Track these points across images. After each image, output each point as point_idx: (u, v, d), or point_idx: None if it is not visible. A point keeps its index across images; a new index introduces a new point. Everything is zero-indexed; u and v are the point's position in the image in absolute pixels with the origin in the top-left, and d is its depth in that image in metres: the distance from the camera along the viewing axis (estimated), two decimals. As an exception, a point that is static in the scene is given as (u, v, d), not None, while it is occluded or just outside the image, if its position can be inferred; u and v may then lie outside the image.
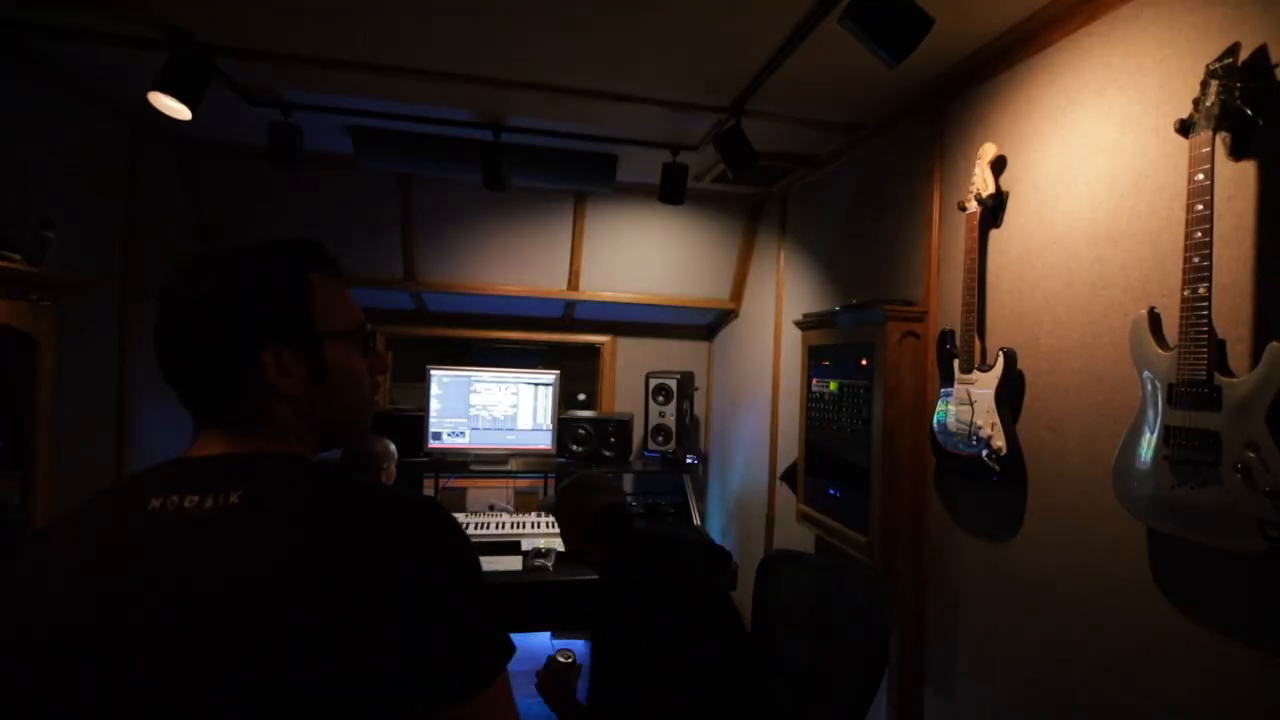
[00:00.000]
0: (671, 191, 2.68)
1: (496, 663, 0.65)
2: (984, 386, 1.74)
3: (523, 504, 3.71)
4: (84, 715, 0.55)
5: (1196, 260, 1.16)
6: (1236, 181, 1.21)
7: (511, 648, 0.67)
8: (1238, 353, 1.19)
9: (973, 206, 1.81)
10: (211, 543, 0.60)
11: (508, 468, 3.54)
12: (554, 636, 3.60)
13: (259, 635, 0.56)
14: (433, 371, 3.52)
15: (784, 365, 3.15)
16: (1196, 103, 1.19)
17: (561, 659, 1.77)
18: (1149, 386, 1.28)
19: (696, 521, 3.72)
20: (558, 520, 1.81)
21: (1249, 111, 1.14)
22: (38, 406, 1.81)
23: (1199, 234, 1.16)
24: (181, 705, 0.55)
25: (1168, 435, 1.22)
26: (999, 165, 1.80)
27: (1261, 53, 1.17)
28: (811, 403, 2.54)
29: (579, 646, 3.26)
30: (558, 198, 3.36)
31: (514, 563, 2.99)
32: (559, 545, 2.90)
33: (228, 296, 0.70)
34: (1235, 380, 1.13)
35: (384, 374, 0.83)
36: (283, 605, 0.57)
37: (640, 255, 3.59)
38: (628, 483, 4.08)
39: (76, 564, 0.61)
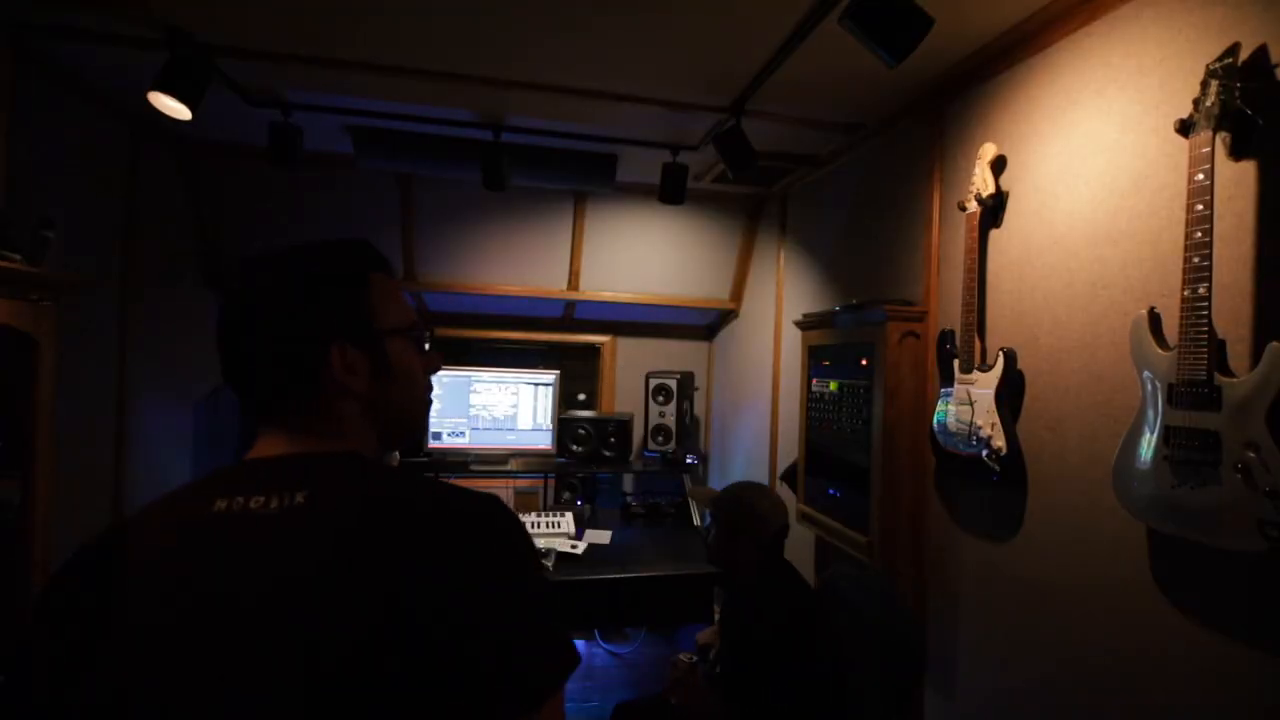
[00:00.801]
0: (671, 191, 2.68)
1: (563, 673, 0.63)
2: (984, 386, 1.74)
3: (523, 504, 3.71)
4: (156, 715, 0.55)
5: (1196, 260, 1.16)
6: (1236, 181, 1.21)
7: (576, 657, 0.64)
8: (1238, 353, 1.19)
9: (973, 206, 1.81)
10: (275, 543, 0.60)
11: (508, 468, 3.54)
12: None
13: (321, 638, 0.55)
14: (433, 371, 3.52)
15: (784, 365, 3.15)
16: (1196, 103, 1.19)
17: (685, 659, 1.81)
18: (1149, 386, 1.28)
19: (696, 522, 3.72)
20: (719, 516, 1.78)
21: (1249, 111, 1.15)
22: (38, 406, 1.81)
23: (1199, 234, 1.16)
24: (244, 711, 0.54)
25: (1168, 435, 1.22)
26: (999, 165, 1.80)
27: (1261, 53, 1.17)
28: (811, 403, 2.54)
29: (581, 645, 3.26)
30: (558, 198, 3.36)
31: (514, 563, 2.98)
32: (559, 545, 2.90)
33: (296, 295, 0.70)
34: (1235, 380, 1.13)
35: (437, 372, 0.83)
36: (345, 608, 0.56)
37: (640, 255, 3.59)
38: (628, 482, 4.08)
39: (148, 564, 0.61)
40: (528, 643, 0.62)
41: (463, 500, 0.66)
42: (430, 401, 0.84)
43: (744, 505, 1.74)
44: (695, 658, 1.85)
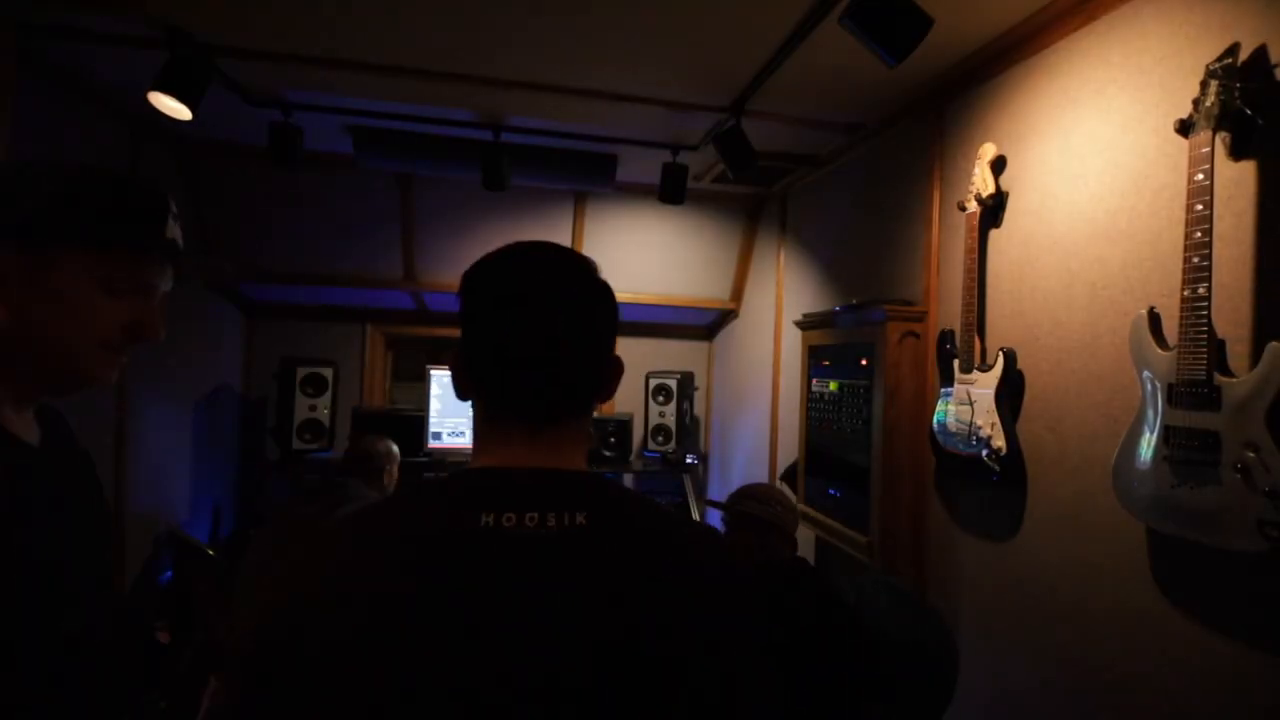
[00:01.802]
0: (671, 191, 2.68)
1: None
2: (984, 386, 1.74)
3: (523, 504, 3.71)
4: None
5: (1196, 260, 1.16)
6: (1236, 181, 1.21)
7: None
8: (1237, 353, 1.19)
9: (973, 206, 1.81)
10: (555, 567, 0.57)
11: (508, 468, 3.54)
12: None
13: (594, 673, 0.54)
14: (433, 371, 3.53)
15: (784, 365, 3.15)
16: (1196, 103, 1.19)
17: None
18: (1149, 386, 1.28)
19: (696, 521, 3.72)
20: (767, 508, 1.78)
21: (1249, 111, 1.14)
22: (38, 406, 1.81)
23: (1199, 234, 1.16)
24: None
25: (1167, 435, 1.22)
26: (999, 165, 1.80)
27: (1261, 53, 1.17)
28: (811, 403, 2.54)
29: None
30: (558, 198, 3.36)
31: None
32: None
33: (614, 304, 0.71)
34: (1235, 380, 1.13)
35: (140, 335, 0.77)
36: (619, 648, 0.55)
37: (640, 255, 3.60)
38: (628, 482, 4.08)
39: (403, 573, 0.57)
40: None
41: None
42: (107, 352, 0.74)
43: (778, 501, 1.77)
44: None
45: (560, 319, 0.65)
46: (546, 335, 0.64)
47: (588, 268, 0.70)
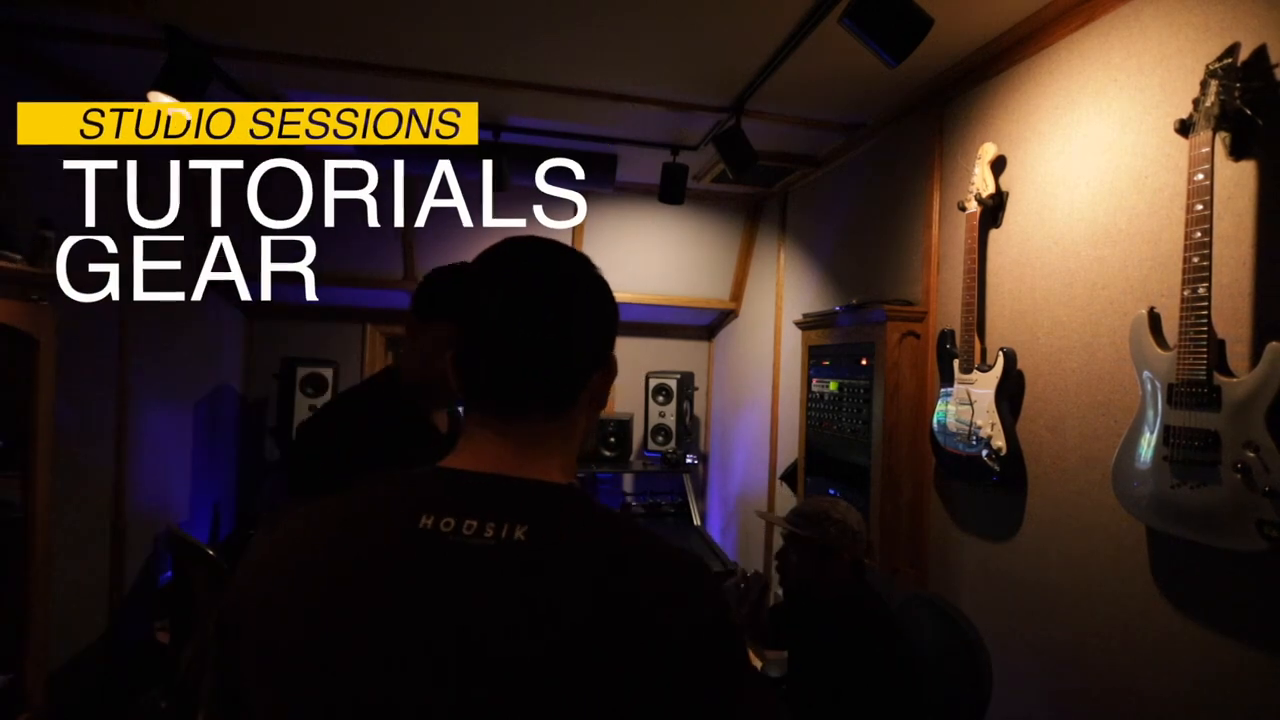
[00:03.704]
0: (671, 191, 2.68)
1: None
2: (984, 386, 1.74)
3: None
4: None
5: (1196, 260, 1.16)
6: (1236, 181, 1.21)
7: None
8: (1237, 353, 1.19)
9: (973, 206, 1.81)
10: (476, 583, 0.54)
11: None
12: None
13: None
14: (433, 371, 3.52)
15: (784, 365, 3.15)
16: (1196, 103, 1.19)
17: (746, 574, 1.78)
18: (1149, 386, 1.28)
19: (696, 522, 3.72)
20: (806, 533, 1.64)
21: (1249, 111, 1.14)
22: (38, 406, 1.81)
23: (1199, 234, 1.16)
24: None
25: (1167, 435, 1.22)
26: (999, 165, 1.80)
27: (1261, 53, 1.17)
28: (811, 403, 2.54)
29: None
30: (558, 197, 3.36)
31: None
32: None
33: (605, 303, 0.69)
34: (1235, 380, 1.13)
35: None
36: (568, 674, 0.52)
37: (640, 255, 3.59)
38: (628, 483, 4.08)
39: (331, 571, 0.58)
40: None
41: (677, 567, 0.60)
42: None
43: (835, 522, 1.63)
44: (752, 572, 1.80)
45: (528, 305, 0.63)
46: (514, 320, 0.63)
47: (571, 259, 0.68)
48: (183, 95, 1.89)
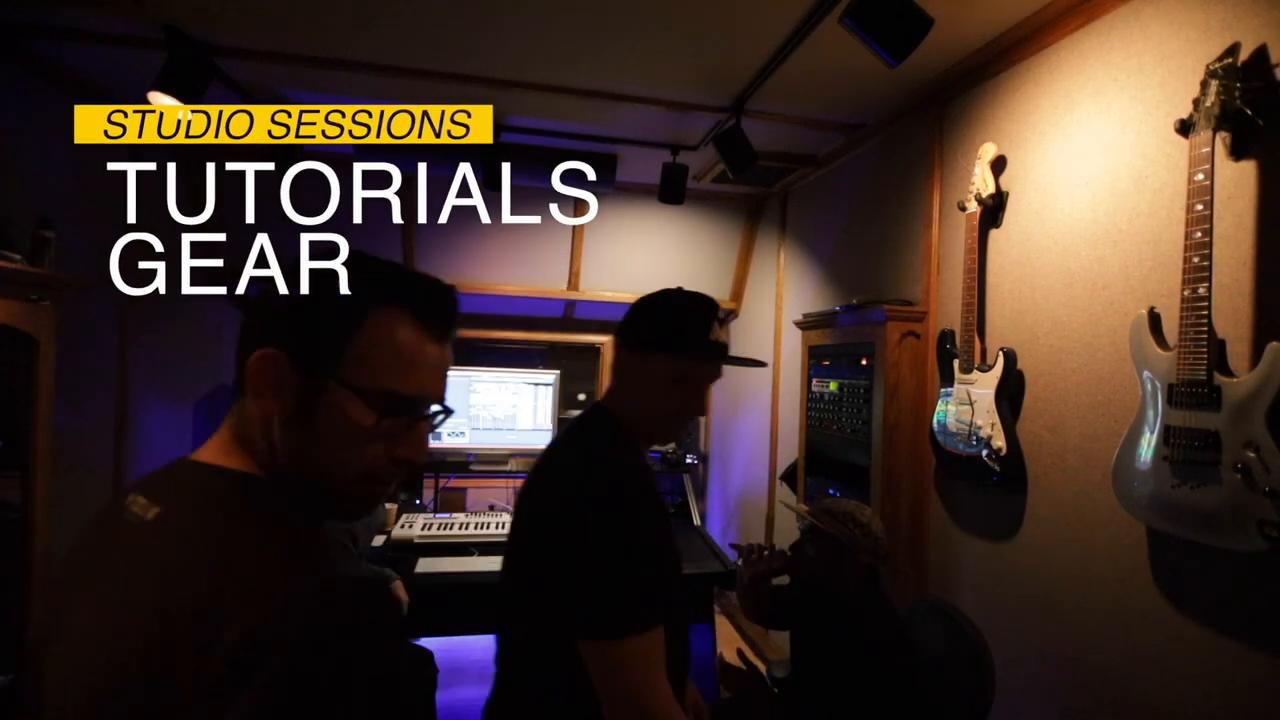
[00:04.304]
0: (671, 191, 2.68)
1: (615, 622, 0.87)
2: (984, 386, 1.74)
3: (523, 504, 3.71)
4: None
5: (1196, 260, 1.16)
6: (1236, 181, 1.21)
7: (636, 620, 0.87)
8: (1238, 353, 1.19)
9: (973, 206, 1.81)
10: (114, 562, 0.56)
11: (507, 467, 3.54)
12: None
13: None
14: (433, 371, 3.52)
15: (784, 365, 3.15)
16: (1196, 103, 1.19)
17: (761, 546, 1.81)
18: (1149, 386, 1.28)
19: (696, 522, 3.72)
20: (828, 530, 1.61)
21: (1249, 111, 1.14)
22: (38, 406, 1.81)
23: (1199, 234, 1.16)
24: None
25: (1167, 435, 1.22)
26: (999, 165, 1.80)
27: (1261, 53, 1.17)
28: (811, 403, 2.54)
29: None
30: (558, 197, 3.36)
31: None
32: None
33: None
34: (1235, 380, 1.13)
35: (409, 464, 0.63)
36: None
37: (640, 255, 3.59)
38: (628, 483, 4.07)
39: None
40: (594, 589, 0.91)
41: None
42: (381, 490, 0.65)
43: (860, 525, 1.62)
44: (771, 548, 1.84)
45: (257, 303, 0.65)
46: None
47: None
48: (183, 95, 1.89)
